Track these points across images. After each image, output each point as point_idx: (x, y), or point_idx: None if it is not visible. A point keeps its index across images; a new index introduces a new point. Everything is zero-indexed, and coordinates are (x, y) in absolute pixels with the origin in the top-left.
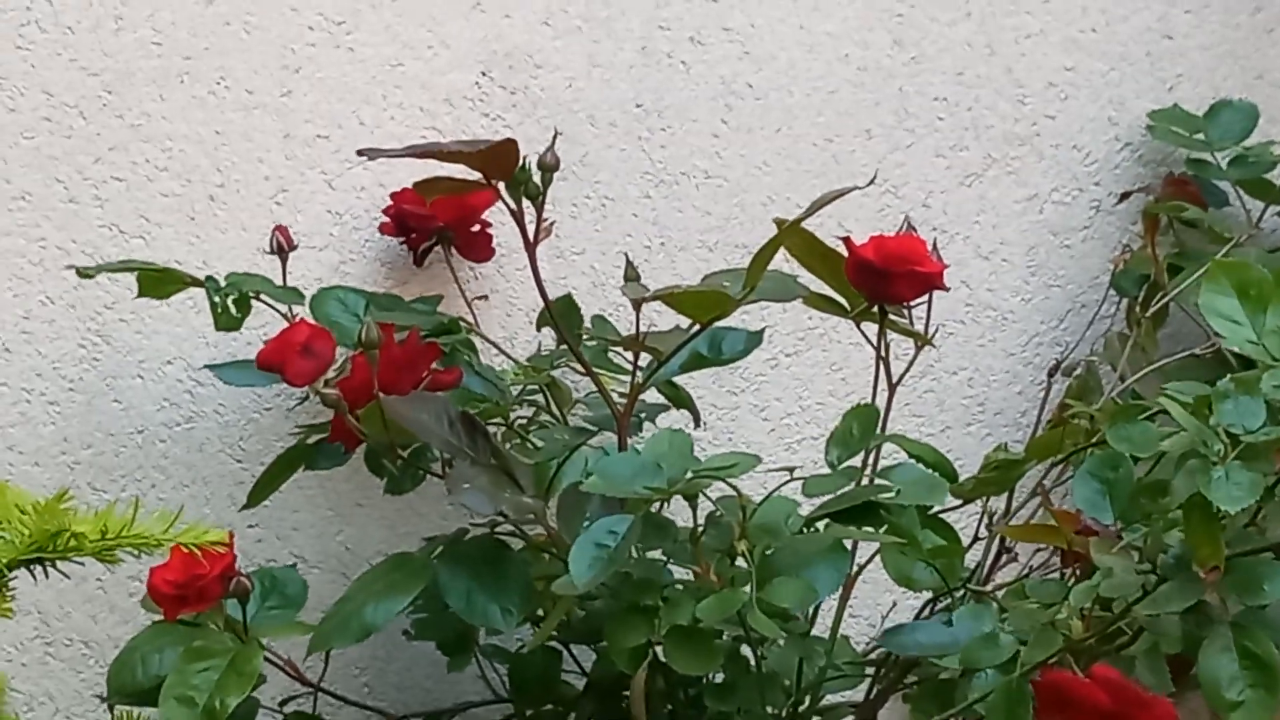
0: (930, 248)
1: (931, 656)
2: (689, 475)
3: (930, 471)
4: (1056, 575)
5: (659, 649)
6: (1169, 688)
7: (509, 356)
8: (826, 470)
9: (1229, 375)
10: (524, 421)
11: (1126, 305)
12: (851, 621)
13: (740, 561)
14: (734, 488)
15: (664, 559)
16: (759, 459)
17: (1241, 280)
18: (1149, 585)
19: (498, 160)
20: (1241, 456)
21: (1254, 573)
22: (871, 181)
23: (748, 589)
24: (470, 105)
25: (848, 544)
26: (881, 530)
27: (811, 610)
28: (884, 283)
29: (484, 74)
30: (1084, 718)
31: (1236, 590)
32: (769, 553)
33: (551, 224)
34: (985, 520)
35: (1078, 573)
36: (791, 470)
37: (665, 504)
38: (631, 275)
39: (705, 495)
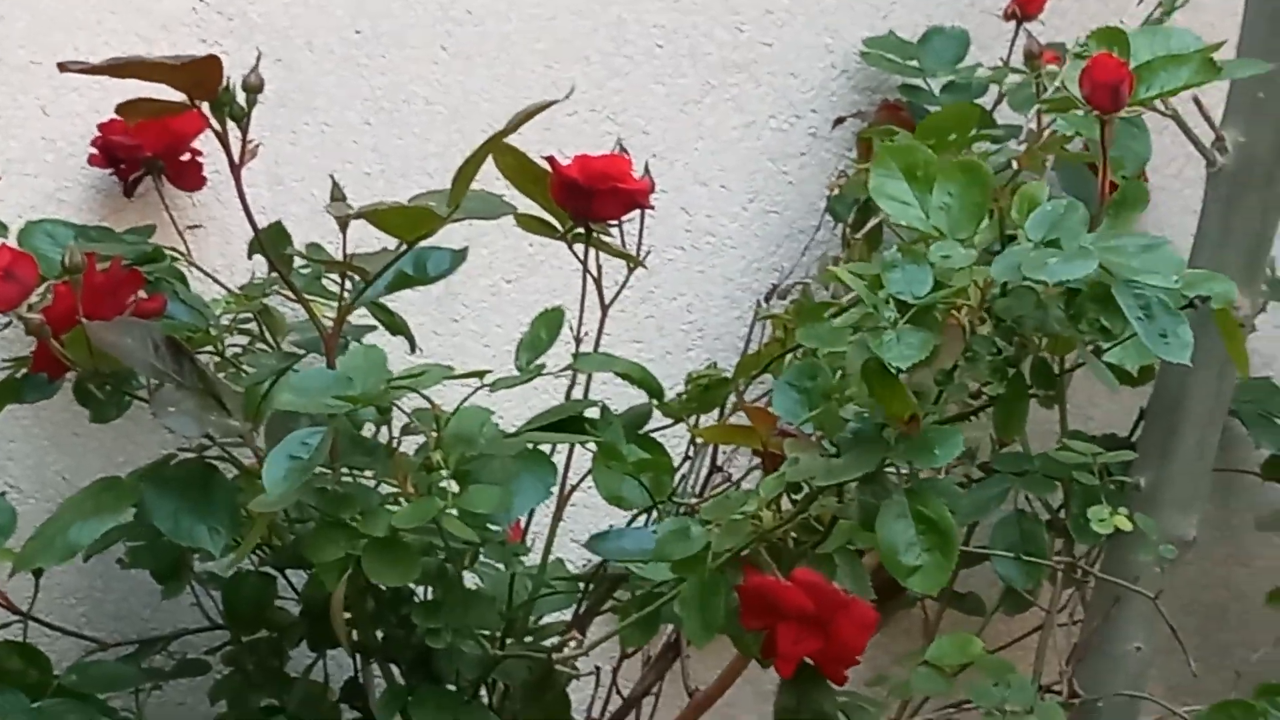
0: (643, 169)
1: (634, 561)
2: (382, 387)
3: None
4: None
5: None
6: (869, 594)
7: (223, 285)
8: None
9: (896, 246)
10: (238, 351)
11: (842, 229)
12: (573, 547)
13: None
14: (427, 398)
15: (374, 481)
16: (451, 369)
17: (909, 162)
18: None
19: (201, 77)
20: (911, 321)
21: (925, 438)
22: (570, 94)
23: (446, 496)
24: (187, 31)
25: (559, 464)
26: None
27: (525, 530)
28: (588, 201)
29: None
30: (787, 621)
31: (909, 456)
32: (468, 464)
33: (257, 146)
34: (693, 438)
35: None
36: (482, 375)
37: (376, 431)
38: (337, 195)
39: (401, 409)
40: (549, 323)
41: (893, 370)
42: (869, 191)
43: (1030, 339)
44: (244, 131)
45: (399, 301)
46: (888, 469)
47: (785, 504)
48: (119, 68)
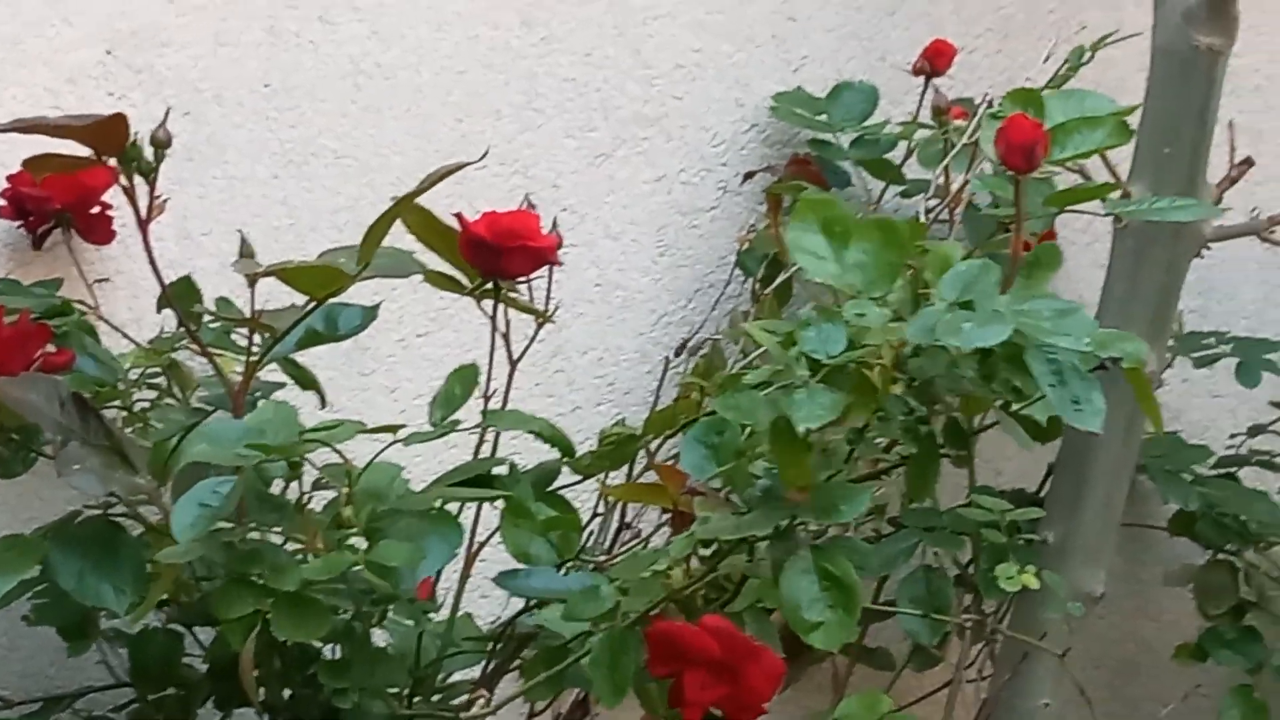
0: (551, 224)
1: (542, 596)
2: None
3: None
4: None
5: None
6: (778, 649)
7: (131, 340)
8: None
9: (812, 305)
10: (146, 406)
11: (751, 284)
12: (482, 602)
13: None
14: (339, 453)
15: (282, 538)
16: (363, 424)
17: (827, 218)
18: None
19: (107, 135)
20: (824, 380)
21: (831, 495)
22: (484, 156)
23: (356, 552)
24: (95, 84)
25: (466, 522)
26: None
27: (434, 586)
28: (496, 258)
29: (109, 52)
30: (695, 667)
31: (816, 513)
32: (378, 519)
33: (165, 201)
34: (604, 495)
35: None
36: (395, 430)
37: (285, 488)
38: (246, 252)
39: (312, 464)
40: (463, 379)
41: (799, 434)
42: (783, 245)
43: (943, 398)
44: (152, 186)
45: (308, 356)
46: (798, 525)
47: (695, 562)
48: (24, 127)
